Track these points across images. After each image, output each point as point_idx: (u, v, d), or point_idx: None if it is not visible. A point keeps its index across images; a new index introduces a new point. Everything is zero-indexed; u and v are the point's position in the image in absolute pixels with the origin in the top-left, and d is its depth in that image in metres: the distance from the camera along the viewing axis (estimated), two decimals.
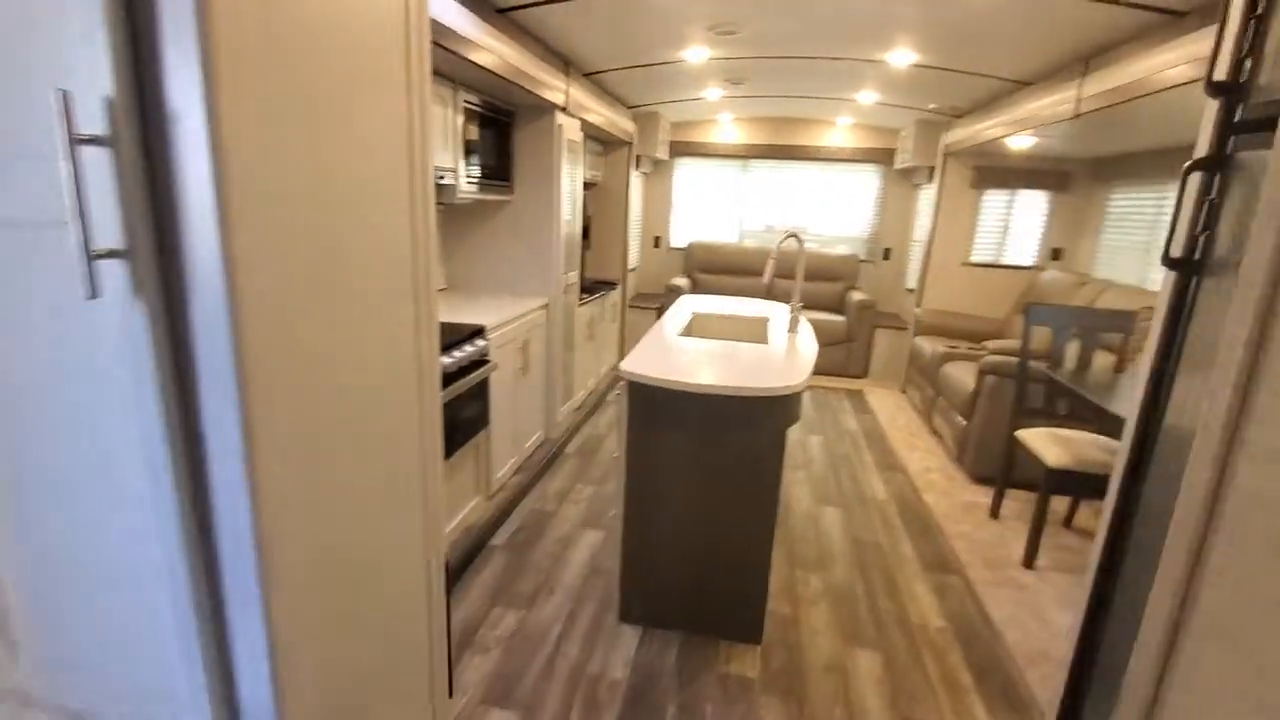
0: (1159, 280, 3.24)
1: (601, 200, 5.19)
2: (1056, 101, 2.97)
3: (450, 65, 2.47)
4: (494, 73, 2.58)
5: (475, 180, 2.98)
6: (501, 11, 2.62)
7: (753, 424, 2.01)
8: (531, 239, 3.48)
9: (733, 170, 6.18)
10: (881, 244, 6.07)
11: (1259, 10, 0.86)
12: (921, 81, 3.78)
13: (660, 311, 5.78)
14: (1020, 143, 3.83)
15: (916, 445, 4.07)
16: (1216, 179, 0.91)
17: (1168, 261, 0.97)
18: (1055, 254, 4.79)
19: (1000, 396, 3.32)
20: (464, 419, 2.51)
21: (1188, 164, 0.93)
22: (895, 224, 6.00)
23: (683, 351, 2.31)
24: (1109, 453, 2.62)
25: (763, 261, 5.98)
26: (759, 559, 2.13)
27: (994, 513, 3.13)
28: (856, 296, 5.47)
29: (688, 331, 2.85)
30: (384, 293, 1.13)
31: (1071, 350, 2.94)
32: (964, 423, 3.60)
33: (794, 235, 2.65)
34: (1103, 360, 3.04)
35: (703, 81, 4.30)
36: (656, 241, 6.36)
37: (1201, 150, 0.95)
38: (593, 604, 2.35)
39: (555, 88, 3.26)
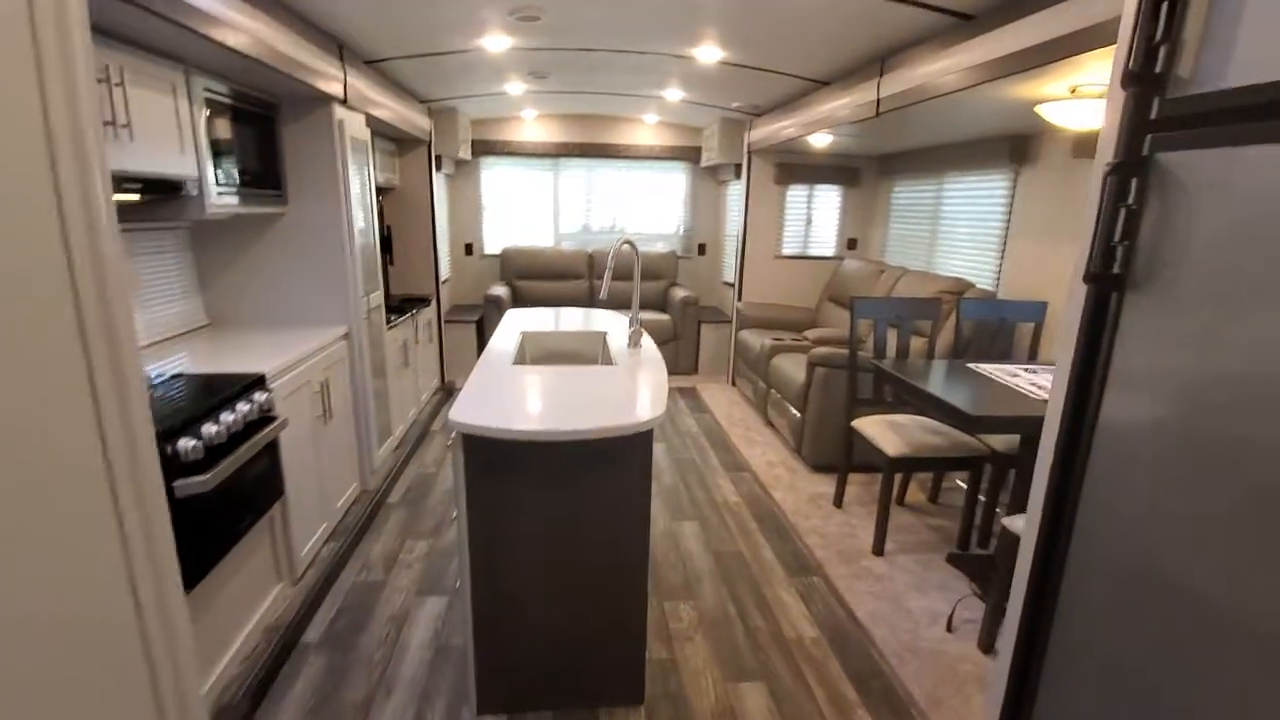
0: (946, 265, 3.51)
1: (401, 207, 4.62)
2: (857, 100, 3.08)
3: (178, 43, 1.89)
4: (244, 54, 2.04)
5: (232, 189, 2.37)
6: None
7: (616, 462, 1.76)
8: (318, 257, 2.90)
9: (543, 170, 5.89)
10: (696, 239, 6.17)
11: None
12: (726, 79, 3.78)
13: (480, 324, 5.34)
14: (820, 141, 4.01)
15: (756, 440, 4.12)
16: (1134, 183, 0.83)
17: (1086, 277, 0.87)
18: (851, 244, 5.16)
19: (831, 387, 3.43)
20: (246, 497, 1.96)
21: (1106, 168, 0.84)
22: (707, 220, 6.13)
23: (522, 386, 1.99)
24: (936, 434, 2.77)
25: (582, 264, 5.79)
26: (633, 609, 1.89)
27: (838, 502, 3.22)
28: (680, 293, 5.48)
29: (521, 357, 2.52)
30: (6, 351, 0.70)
31: (889, 338, 3.09)
32: (798, 415, 3.69)
33: (629, 242, 2.44)
34: (915, 345, 3.24)
35: (504, 74, 3.95)
36: (468, 249, 5.88)
37: (1109, 149, 0.86)
38: (443, 697, 1.95)
39: (330, 76, 2.73)
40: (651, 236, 6.15)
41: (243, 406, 1.91)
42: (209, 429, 1.72)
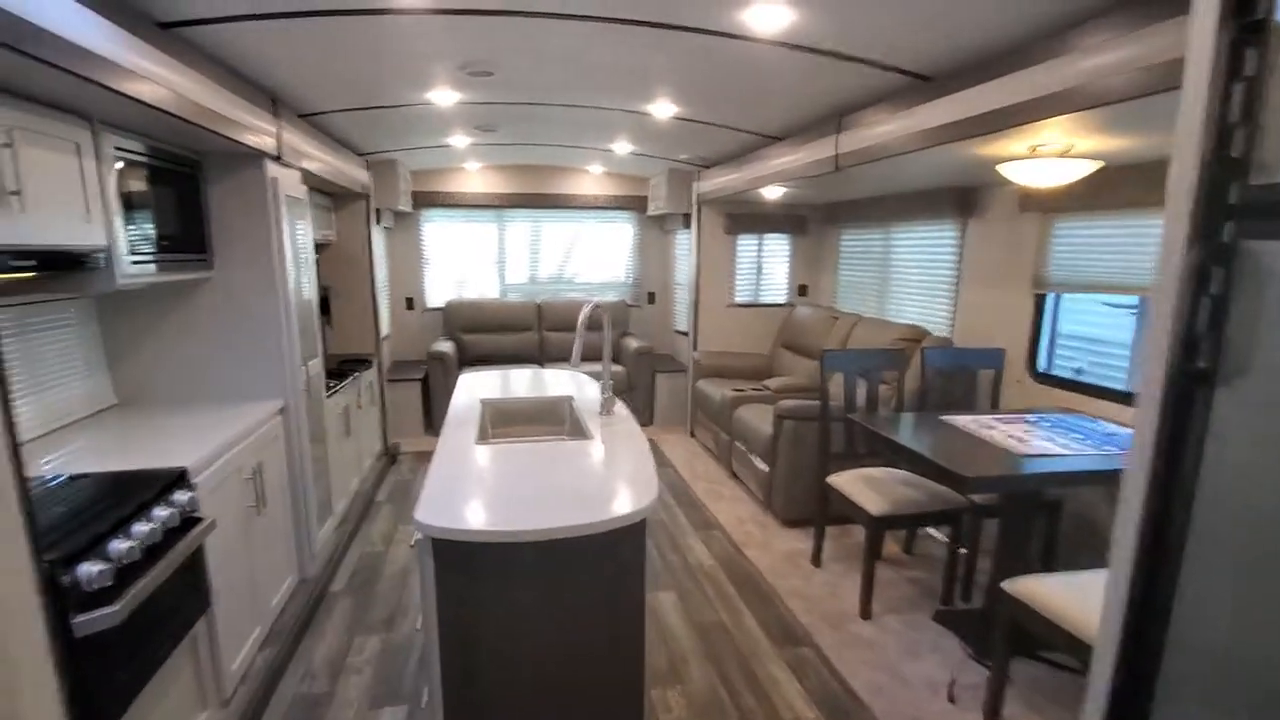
0: (899, 312, 3.51)
1: (338, 263, 4.35)
2: (814, 156, 3.09)
3: (83, 97, 1.66)
4: (163, 110, 1.82)
5: (149, 256, 2.11)
6: (166, 27, 1.87)
7: (606, 557, 1.58)
8: (250, 325, 2.63)
9: (486, 221, 5.73)
10: (645, 288, 6.10)
11: (1246, 71, 0.71)
12: (676, 133, 3.76)
13: (425, 382, 5.05)
14: (772, 193, 4.03)
15: (722, 494, 3.99)
16: (1216, 272, 0.75)
17: (1171, 372, 0.79)
18: (802, 290, 5.20)
19: (801, 440, 3.35)
20: (165, 620, 1.67)
21: (1192, 256, 0.76)
22: (655, 268, 6.09)
23: (492, 472, 1.80)
24: (913, 487, 2.71)
25: (530, 316, 5.62)
26: (629, 710, 1.70)
27: (816, 560, 3.10)
28: (634, 344, 5.37)
29: (483, 429, 2.32)
30: None
31: (859, 390, 3.05)
32: (767, 468, 3.58)
33: (598, 306, 2.30)
34: (883, 395, 3.21)
35: (449, 128, 3.81)
36: (409, 303, 5.61)
37: (1179, 235, 0.79)
38: None
39: (262, 131, 2.52)
40: (600, 286, 6.05)
41: (161, 512, 1.63)
42: (119, 546, 1.44)
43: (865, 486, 2.71)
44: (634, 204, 5.84)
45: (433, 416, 5.09)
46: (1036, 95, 1.88)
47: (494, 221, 5.74)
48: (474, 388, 2.89)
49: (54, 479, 1.71)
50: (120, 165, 1.97)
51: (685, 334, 5.45)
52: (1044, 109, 1.87)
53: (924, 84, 2.35)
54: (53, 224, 1.66)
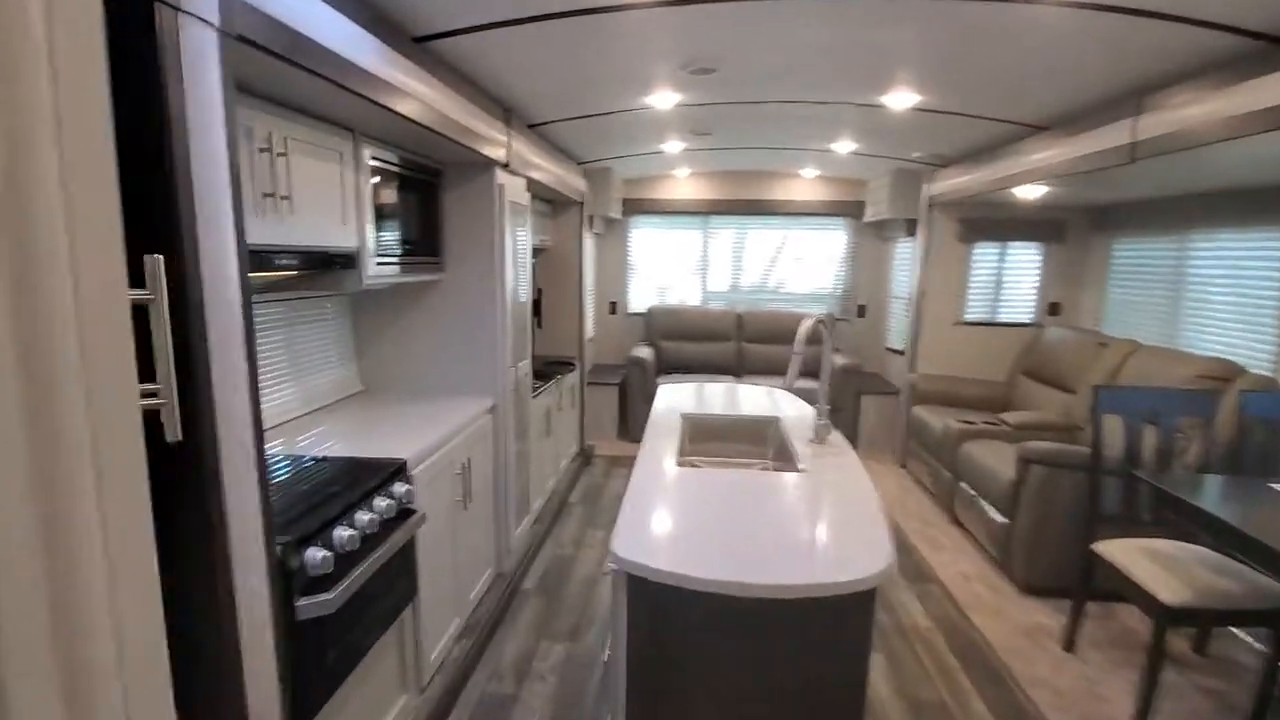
0: (1193, 340, 2.71)
1: (551, 267, 4.55)
2: (1095, 146, 2.52)
3: (348, 110, 1.80)
4: (416, 122, 1.93)
5: (393, 258, 2.28)
6: (420, 41, 1.98)
7: (823, 620, 1.33)
8: (471, 326, 2.77)
9: (692, 228, 5.68)
10: (856, 300, 5.63)
11: None
12: (910, 128, 3.34)
13: (623, 387, 5.12)
14: (1029, 193, 3.41)
15: (941, 542, 3.47)
16: None
17: None
18: (1053, 309, 4.39)
19: (1053, 492, 2.76)
20: (376, 607, 1.74)
21: None
22: (869, 279, 5.59)
23: (695, 506, 1.63)
24: (1223, 573, 2.05)
25: (730, 325, 5.45)
26: None
27: (1068, 643, 2.51)
28: (839, 360, 4.95)
29: (682, 448, 2.17)
30: None
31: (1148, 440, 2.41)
32: (1003, 520, 3.02)
33: (821, 321, 2.05)
34: (1177, 448, 2.52)
35: (664, 133, 3.77)
36: (613, 307, 5.75)
37: None
38: None
39: (495, 141, 2.63)
40: (805, 297, 5.70)
41: (380, 502, 1.70)
42: (341, 534, 1.51)
43: (1154, 564, 2.11)
44: (849, 209, 5.42)
45: (628, 421, 5.13)
46: None
47: (699, 228, 5.67)
48: (673, 400, 2.78)
49: (305, 460, 1.87)
50: (375, 176, 2.14)
51: (900, 352, 4.91)
52: None
53: (1273, 48, 1.75)
54: (315, 226, 1.82)
